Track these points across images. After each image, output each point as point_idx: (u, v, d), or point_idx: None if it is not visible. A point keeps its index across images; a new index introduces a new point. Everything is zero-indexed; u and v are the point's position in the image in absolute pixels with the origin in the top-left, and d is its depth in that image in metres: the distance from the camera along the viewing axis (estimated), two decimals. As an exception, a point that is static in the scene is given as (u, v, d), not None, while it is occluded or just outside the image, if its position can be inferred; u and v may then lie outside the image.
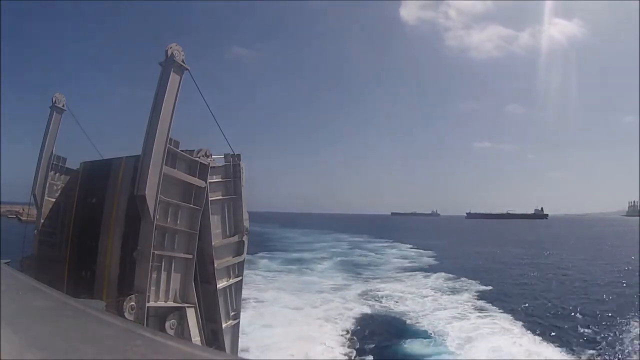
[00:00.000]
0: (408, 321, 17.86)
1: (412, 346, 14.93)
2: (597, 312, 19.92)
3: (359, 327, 16.68)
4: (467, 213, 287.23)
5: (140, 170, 6.24)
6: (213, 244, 7.52)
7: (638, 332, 16.24)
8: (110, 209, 7.66)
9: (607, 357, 14.22)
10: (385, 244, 60.62)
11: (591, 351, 14.66)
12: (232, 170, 8.24)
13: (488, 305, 20.61)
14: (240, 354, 8.84)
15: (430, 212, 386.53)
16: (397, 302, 21.36)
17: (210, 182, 7.37)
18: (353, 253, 47.83)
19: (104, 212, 7.76)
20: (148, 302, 6.16)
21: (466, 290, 24.59)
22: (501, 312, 19.25)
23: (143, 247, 6.19)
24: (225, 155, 8.26)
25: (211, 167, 7.40)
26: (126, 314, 5.81)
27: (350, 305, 20.30)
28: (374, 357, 13.62)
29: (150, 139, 6.22)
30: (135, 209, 6.40)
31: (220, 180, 8.03)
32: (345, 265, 36.38)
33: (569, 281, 29.75)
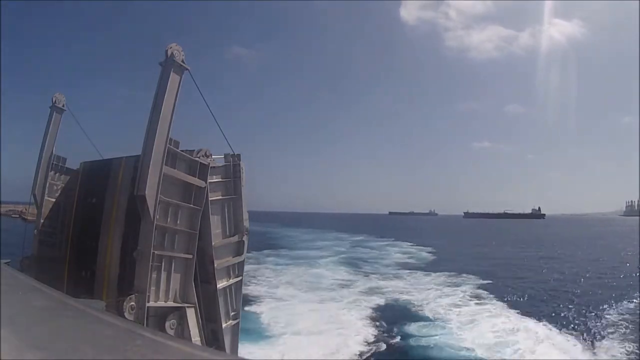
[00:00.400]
0: (414, 308, 20.25)
1: (421, 328, 17.07)
2: (583, 299, 22.84)
3: (376, 314, 18.94)
4: (464, 213, 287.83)
5: (140, 170, 6.24)
6: (213, 244, 7.52)
7: (615, 317, 18.83)
8: (110, 209, 7.66)
9: (583, 330, 17.03)
10: (386, 243, 61.64)
11: (574, 327, 17.46)
12: (232, 170, 8.24)
13: (486, 294, 23.23)
14: (240, 354, 8.85)
15: (428, 211, 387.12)
16: (401, 293, 23.84)
17: (210, 182, 7.37)
18: (356, 251, 48.90)
19: (104, 212, 7.77)
20: (148, 302, 6.16)
21: (465, 283, 26.68)
22: (498, 301, 21.54)
23: (143, 247, 6.19)
24: (225, 155, 8.26)
25: (211, 167, 7.40)
26: (126, 314, 5.81)
27: (362, 297, 22.59)
28: (395, 338, 15.79)
29: (150, 139, 6.22)
30: (135, 209, 6.40)
31: (220, 180, 8.03)
32: (349, 262, 37.80)
33: (561, 275, 31.87)
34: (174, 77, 6.51)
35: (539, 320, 18.18)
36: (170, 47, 6.43)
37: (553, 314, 19.59)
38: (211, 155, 7.48)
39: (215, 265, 7.51)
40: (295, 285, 26.15)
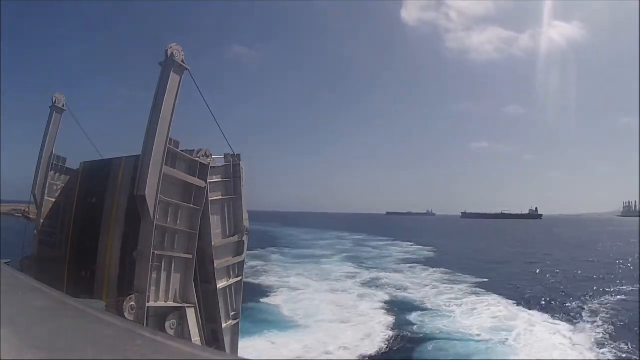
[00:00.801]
0: (421, 300, 22.56)
1: (429, 317, 19.21)
2: (573, 292, 25.58)
3: (388, 305, 21.20)
4: (462, 213, 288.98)
5: (140, 170, 6.23)
6: (213, 244, 7.52)
7: (597, 306, 21.62)
8: (110, 209, 7.65)
9: (571, 316, 19.67)
10: (387, 242, 63.49)
11: (563, 314, 20.01)
12: (232, 170, 8.24)
13: (484, 288, 25.83)
14: (240, 354, 8.85)
15: (425, 211, 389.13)
16: (408, 287, 26.24)
17: (210, 182, 7.37)
18: (359, 250, 50.77)
19: (104, 212, 7.76)
20: (148, 302, 6.16)
21: (465, 279, 29.03)
22: (495, 294, 23.82)
23: (143, 247, 6.19)
24: (225, 155, 8.26)
25: (211, 167, 7.40)
26: (126, 314, 5.80)
27: (372, 290, 25.10)
28: (410, 325, 17.80)
29: (150, 139, 6.22)
30: (135, 209, 6.40)
31: (220, 180, 8.03)
32: (354, 259, 40.01)
33: (554, 272, 34.12)
34: (174, 77, 6.50)
35: (534, 309, 20.58)
36: (170, 47, 6.43)
37: (546, 304, 21.94)
38: (211, 155, 7.47)
39: (215, 265, 7.51)
40: (307, 279, 28.64)
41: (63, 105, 9.04)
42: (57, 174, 9.10)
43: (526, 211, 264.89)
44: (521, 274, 33.98)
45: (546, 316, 19.41)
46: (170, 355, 3.29)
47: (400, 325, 17.85)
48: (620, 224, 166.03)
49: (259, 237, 57.35)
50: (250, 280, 27.01)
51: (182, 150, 6.89)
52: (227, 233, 8.09)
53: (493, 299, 22.85)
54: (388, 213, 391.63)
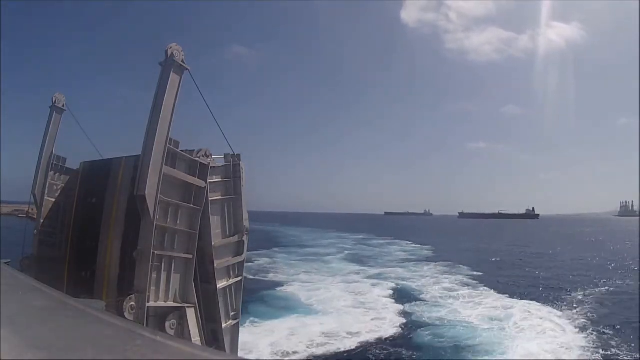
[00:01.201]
0: (423, 292, 24.88)
1: (432, 307, 21.28)
2: (563, 285, 28.11)
3: (395, 296, 23.45)
4: (459, 213, 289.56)
5: (140, 170, 6.23)
6: (213, 244, 7.52)
7: (581, 297, 24.25)
8: (110, 209, 7.65)
9: (560, 305, 22.08)
10: (386, 241, 65.61)
11: (554, 303, 22.41)
12: (232, 170, 8.24)
13: (482, 282, 28.31)
14: (241, 354, 8.84)
15: (423, 211, 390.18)
16: (411, 280, 28.71)
17: (210, 182, 7.37)
18: (361, 249, 52.72)
19: (104, 212, 7.76)
20: (148, 302, 6.16)
21: (463, 274, 31.58)
22: (492, 287, 26.28)
23: (143, 247, 6.18)
24: (225, 155, 8.26)
25: (211, 167, 7.40)
26: (126, 314, 5.80)
27: (378, 283, 27.18)
28: (415, 313, 19.69)
29: (150, 139, 6.22)
30: (135, 209, 6.39)
31: (220, 180, 8.03)
32: (358, 257, 42.08)
33: (547, 268, 36.75)
34: (174, 77, 6.50)
35: (528, 300, 22.82)
36: (170, 47, 6.42)
37: (539, 296, 24.25)
38: (211, 155, 7.47)
39: (215, 265, 7.51)
40: (315, 275, 30.57)
41: (63, 105, 9.04)
42: (57, 174, 9.09)
43: (523, 211, 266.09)
44: (517, 269, 36.12)
45: (539, 305, 21.61)
46: (170, 355, 3.29)
47: (409, 310, 20.31)
48: (616, 224, 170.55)
49: (261, 237, 59.09)
50: (259, 277, 29.71)
51: (182, 150, 6.89)
52: (227, 233, 8.09)
53: (490, 290, 25.18)
54: (386, 213, 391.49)
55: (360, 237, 73.85)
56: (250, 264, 33.94)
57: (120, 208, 7.48)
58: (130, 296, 5.99)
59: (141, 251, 6.17)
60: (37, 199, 8.89)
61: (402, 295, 23.54)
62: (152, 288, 6.34)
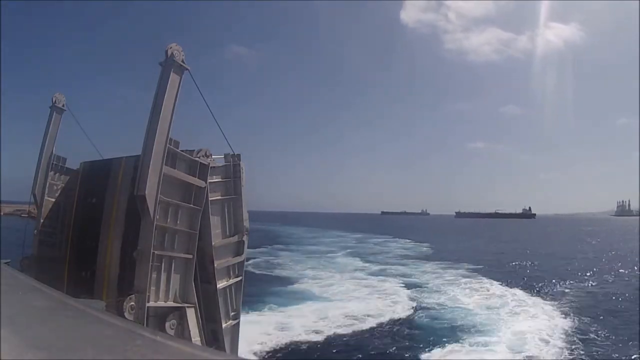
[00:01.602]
0: (425, 284, 27.09)
1: (432, 295, 23.70)
2: (552, 278, 30.23)
3: (401, 288, 25.58)
4: (456, 212, 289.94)
5: (140, 170, 6.23)
6: (213, 244, 7.52)
7: (568, 289, 26.81)
8: (110, 209, 7.65)
9: (548, 294, 24.84)
10: (386, 239, 67.27)
11: (543, 293, 25.17)
12: (232, 170, 8.24)
13: (478, 275, 30.67)
14: (240, 354, 8.84)
15: (420, 211, 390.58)
16: (412, 276, 30.46)
17: (210, 182, 7.37)
18: (360, 246, 54.18)
19: (104, 212, 7.76)
20: (148, 302, 6.16)
21: (461, 268, 33.92)
22: (488, 279, 28.55)
23: (143, 247, 6.18)
24: (225, 155, 8.26)
25: (211, 167, 7.40)
26: (126, 314, 5.80)
27: (384, 277, 29.13)
28: (421, 303, 21.64)
29: (150, 139, 6.22)
30: (135, 209, 6.39)
31: (220, 180, 8.03)
32: (360, 255, 43.39)
33: (538, 264, 39.16)
34: (174, 77, 6.50)
35: (522, 291, 25.14)
36: (170, 47, 6.42)
37: (531, 288, 26.35)
38: (211, 155, 7.47)
39: (215, 265, 7.51)
40: (322, 270, 32.24)
41: (63, 105, 9.03)
42: (57, 174, 9.09)
43: (520, 211, 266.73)
44: (511, 265, 38.18)
45: (530, 294, 24.31)
46: (170, 355, 3.29)
47: (417, 298, 22.76)
48: (611, 223, 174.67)
49: (263, 235, 60.45)
50: (267, 272, 31.24)
51: (182, 150, 6.89)
52: (227, 233, 8.09)
53: (486, 282, 27.56)
54: (383, 212, 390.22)
55: (360, 235, 75.32)
56: (257, 259, 36.80)
57: (120, 208, 7.48)
58: (130, 296, 5.99)
59: (141, 251, 6.17)
60: (37, 199, 8.89)
61: (409, 286, 25.88)
62: (152, 288, 6.34)
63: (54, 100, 8.89)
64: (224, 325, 7.73)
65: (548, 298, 23.53)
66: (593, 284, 29.45)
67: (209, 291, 7.45)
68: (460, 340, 15.52)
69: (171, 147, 6.54)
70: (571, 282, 29.49)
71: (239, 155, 8.34)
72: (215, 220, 7.71)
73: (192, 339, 6.61)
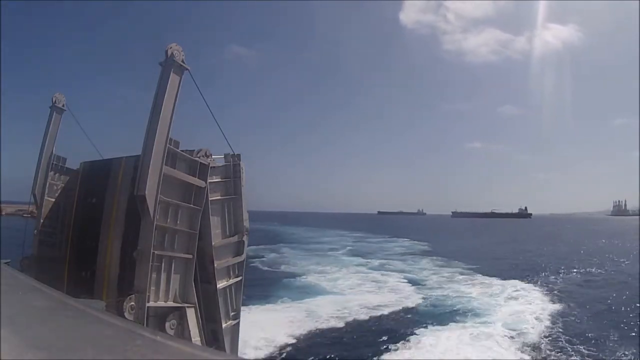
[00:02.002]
0: (427, 277, 29.48)
1: (437, 287, 26.06)
2: (544, 272, 32.90)
3: (406, 282, 27.51)
4: (452, 212, 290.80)
5: (140, 170, 6.23)
6: (213, 244, 7.52)
7: (560, 281, 29.37)
8: (110, 209, 7.65)
9: (542, 285, 27.27)
10: (384, 238, 68.73)
11: (537, 284, 27.64)
12: (232, 170, 8.24)
13: (475, 270, 32.57)
14: (240, 354, 8.84)
15: (416, 211, 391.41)
16: (413, 271, 32.37)
17: (210, 182, 7.37)
18: (360, 245, 55.36)
19: (104, 212, 7.76)
20: (148, 302, 6.16)
21: (459, 264, 35.77)
22: (485, 274, 30.61)
23: (143, 247, 6.18)
24: (225, 155, 8.26)
25: (211, 167, 7.40)
26: (126, 314, 5.80)
27: (388, 273, 30.89)
28: (425, 294, 23.76)
29: (150, 139, 6.22)
30: (135, 209, 6.39)
31: (220, 180, 8.03)
32: (361, 253, 44.74)
33: (530, 260, 41.38)
34: (174, 77, 6.50)
35: (518, 281, 27.68)
36: (170, 47, 6.42)
37: (526, 280, 28.87)
38: (211, 155, 7.47)
39: (215, 265, 7.51)
40: (326, 266, 33.89)
41: (63, 105, 9.03)
42: (57, 174, 9.09)
43: (516, 210, 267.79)
44: (507, 261, 40.34)
45: (525, 285, 26.73)
46: (170, 355, 3.29)
47: (420, 290, 24.96)
48: (606, 223, 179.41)
49: (264, 235, 61.82)
50: (274, 269, 32.79)
51: (182, 150, 6.88)
52: (227, 233, 8.08)
53: (483, 276, 29.74)
54: (379, 212, 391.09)
55: (359, 234, 76.68)
56: (262, 258, 38.49)
57: (120, 208, 7.48)
58: (130, 296, 5.99)
59: (141, 251, 6.17)
60: (37, 199, 8.89)
61: (411, 281, 27.71)
62: (152, 288, 6.34)
63: (54, 100, 8.88)
64: (224, 325, 7.73)
65: (542, 288, 26.10)
66: (585, 277, 32.03)
67: (209, 291, 7.45)
68: (463, 321, 17.85)
69: (171, 147, 6.54)
70: (565, 275, 32.24)
71: (239, 155, 8.34)
72: (215, 220, 7.71)
73: (192, 339, 6.61)
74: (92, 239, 7.73)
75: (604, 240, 70.58)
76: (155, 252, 6.32)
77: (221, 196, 8.01)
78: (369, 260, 37.98)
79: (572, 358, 14.32)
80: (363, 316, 18.62)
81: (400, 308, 20.27)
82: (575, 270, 35.06)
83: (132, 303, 5.95)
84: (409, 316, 19.18)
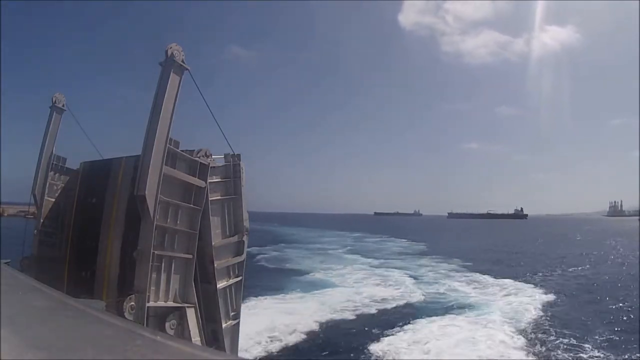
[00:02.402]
0: (424, 273, 32.10)
1: (433, 282, 28.19)
2: (534, 269, 35.30)
3: (409, 277, 29.66)
4: (448, 213, 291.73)
5: (140, 170, 6.23)
6: (213, 244, 7.52)
7: (554, 277, 32.16)
8: (110, 209, 7.65)
9: (535, 281, 29.08)
10: (383, 239, 70.59)
11: (529, 280, 29.43)
12: (232, 170, 8.24)
13: (471, 268, 34.67)
14: (240, 354, 8.85)
15: (412, 212, 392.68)
16: (412, 267, 34.79)
17: (210, 182, 7.36)
18: (360, 245, 57.01)
19: (104, 212, 7.75)
20: (148, 302, 6.16)
21: (454, 262, 37.87)
22: (480, 271, 32.59)
23: (143, 247, 6.18)
24: (225, 155, 8.25)
25: (211, 167, 7.40)
26: (126, 314, 5.79)
27: (391, 270, 32.85)
28: (425, 288, 26.00)
29: (150, 139, 6.21)
30: (135, 209, 6.39)
31: (220, 180, 8.03)
32: (363, 252, 46.51)
33: (523, 258, 43.86)
34: (174, 77, 6.49)
35: (510, 279, 29.14)
36: (170, 47, 6.41)
37: (518, 276, 30.64)
38: (211, 155, 7.47)
39: (215, 265, 7.51)
40: (331, 264, 35.54)
41: (63, 105, 9.02)
42: (57, 174, 9.07)
43: (512, 211, 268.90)
44: (501, 260, 41.93)
45: (516, 281, 28.53)
46: (170, 355, 3.29)
47: (422, 284, 26.98)
48: (601, 223, 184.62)
49: (265, 235, 63.12)
50: (280, 266, 34.35)
51: (182, 150, 6.88)
52: (227, 233, 8.08)
53: (478, 274, 31.30)
54: (376, 213, 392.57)
55: (358, 235, 78.43)
56: (265, 255, 40.52)
57: (120, 208, 7.47)
58: (130, 296, 5.99)
59: (141, 251, 6.17)
60: (37, 199, 8.88)
61: (413, 277, 29.67)
62: (152, 288, 6.33)
63: (54, 100, 8.87)
64: (224, 325, 7.73)
65: (533, 283, 28.03)
66: (574, 274, 34.07)
67: (209, 291, 7.45)
68: (461, 312, 19.71)
69: (171, 147, 6.54)
70: (554, 272, 34.39)
71: (239, 155, 8.34)
72: (215, 220, 7.71)
73: (192, 339, 6.61)
74: (92, 239, 7.72)
75: (590, 239, 75.87)
76: (155, 252, 6.31)
77: (221, 196, 8.00)
78: (370, 259, 39.49)
79: (559, 340, 16.01)
80: (372, 307, 20.69)
81: (404, 301, 22.35)
82: (566, 266, 37.60)
83: (132, 303, 5.95)
84: (411, 307, 21.27)
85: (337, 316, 18.74)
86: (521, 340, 15.72)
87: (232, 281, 8.08)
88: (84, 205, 8.45)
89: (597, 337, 16.44)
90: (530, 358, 14.30)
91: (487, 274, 30.86)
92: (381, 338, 15.83)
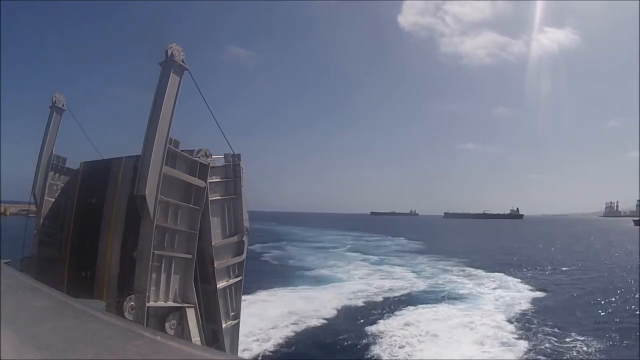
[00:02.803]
0: (424, 269, 33.27)
1: (433, 276, 29.79)
2: (527, 266, 37.07)
3: (410, 273, 31.09)
4: (444, 213, 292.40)
5: (140, 170, 6.22)
6: (213, 244, 7.51)
7: (547, 274, 33.56)
8: (110, 209, 7.65)
9: (526, 277, 30.67)
10: (381, 237, 71.55)
11: (522, 275, 31.29)
12: (232, 170, 8.23)
13: (467, 265, 35.77)
14: (240, 354, 8.85)
15: (408, 211, 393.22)
16: (415, 265, 35.86)
17: (210, 182, 7.36)
18: (360, 244, 57.96)
19: (104, 212, 7.76)
20: (148, 302, 6.16)
21: (452, 260, 39.06)
22: (476, 267, 34.04)
23: (143, 247, 6.18)
24: (225, 155, 8.25)
25: (211, 167, 7.39)
26: (126, 314, 5.80)
27: (392, 267, 33.90)
28: (427, 283, 27.24)
29: (150, 139, 6.21)
30: (135, 209, 6.39)
31: (220, 180, 8.02)
32: (363, 250, 47.38)
33: (517, 257, 44.68)
34: (174, 77, 6.49)
35: (502, 274, 30.73)
36: (170, 47, 6.41)
37: (509, 272, 31.96)
38: (211, 155, 7.47)
39: (215, 265, 7.50)
40: (334, 260, 37.08)
41: (63, 105, 9.01)
42: (57, 174, 9.07)
43: (507, 211, 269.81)
44: (495, 258, 43.35)
45: (508, 277, 29.87)
46: (170, 355, 3.29)
47: (422, 279, 28.72)
48: (597, 223, 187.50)
49: (266, 233, 64.65)
50: (284, 263, 35.57)
51: (182, 150, 6.88)
52: (227, 233, 8.08)
53: (474, 269, 32.96)
54: (372, 213, 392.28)
55: (356, 234, 79.41)
56: (268, 253, 41.53)
57: (120, 208, 7.48)
58: (130, 296, 5.99)
59: (141, 251, 6.17)
60: (37, 199, 8.88)
61: (414, 272, 31.18)
62: (152, 288, 6.33)
63: (54, 100, 8.87)
64: (224, 325, 7.73)
65: (523, 279, 29.60)
66: (562, 269, 35.97)
67: (209, 291, 7.45)
68: (457, 302, 21.45)
69: (171, 147, 6.53)
70: (544, 268, 36.10)
71: (239, 155, 8.34)
72: (215, 220, 7.70)
73: (192, 339, 6.61)
74: (92, 239, 7.73)
75: (579, 237, 78.83)
76: (155, 252, 6.31)
77: (221, 196, 8.00)
78: (372, 256, 41.26)
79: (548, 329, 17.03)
80: (381, 296, 22.62)
81: (408, 291, 24.20)
82: (556, 264, 39.40)
83: (132, 303, 5.95)
84: (415, 296, 23.11)
85: (351, 303, 20.77)
86: (514, 325, 17.16)
87: (232, 281, 8.07)
88: (84, 205, 8.45)
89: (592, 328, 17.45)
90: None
91: (482, 270, 32.64)
92: (395, 315, 18.22)
